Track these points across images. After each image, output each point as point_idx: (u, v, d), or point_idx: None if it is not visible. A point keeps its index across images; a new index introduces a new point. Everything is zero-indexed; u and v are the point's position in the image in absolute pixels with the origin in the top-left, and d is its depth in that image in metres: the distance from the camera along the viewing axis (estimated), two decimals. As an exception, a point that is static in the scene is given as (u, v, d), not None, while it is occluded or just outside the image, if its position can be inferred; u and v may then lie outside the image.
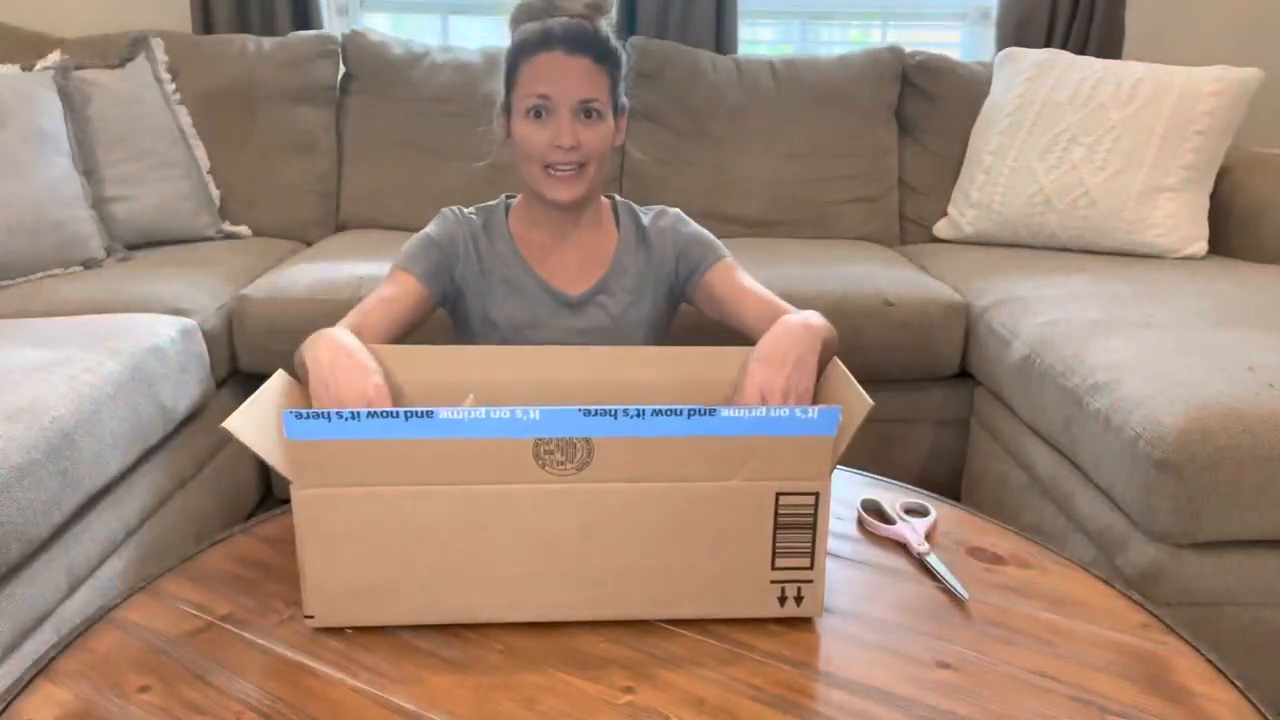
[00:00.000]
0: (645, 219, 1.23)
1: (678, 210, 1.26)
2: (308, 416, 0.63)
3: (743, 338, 1.17)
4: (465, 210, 1.21)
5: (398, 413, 0.63)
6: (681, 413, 0.64)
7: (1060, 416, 1.32)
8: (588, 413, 0.64)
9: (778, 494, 0.68)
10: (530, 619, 0.71)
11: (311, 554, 0.67)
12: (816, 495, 0.68)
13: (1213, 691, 0.66)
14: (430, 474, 0.65)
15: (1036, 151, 1.99)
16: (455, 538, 0.67)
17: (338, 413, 0.63)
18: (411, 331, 1.10)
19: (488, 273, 1.18)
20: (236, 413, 0.69)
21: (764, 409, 0.65)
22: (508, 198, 1.23)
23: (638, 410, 0.64)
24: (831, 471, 0.68)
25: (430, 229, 1.18)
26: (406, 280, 1.12)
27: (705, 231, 1.24)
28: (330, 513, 0.66)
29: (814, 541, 0.69)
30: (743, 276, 1.19)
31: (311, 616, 0.69)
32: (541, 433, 0.64)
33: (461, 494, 0.66)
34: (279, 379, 0.78)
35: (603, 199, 1.23)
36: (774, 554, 0.69)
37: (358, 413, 0.63)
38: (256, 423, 0.70)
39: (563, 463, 0.65)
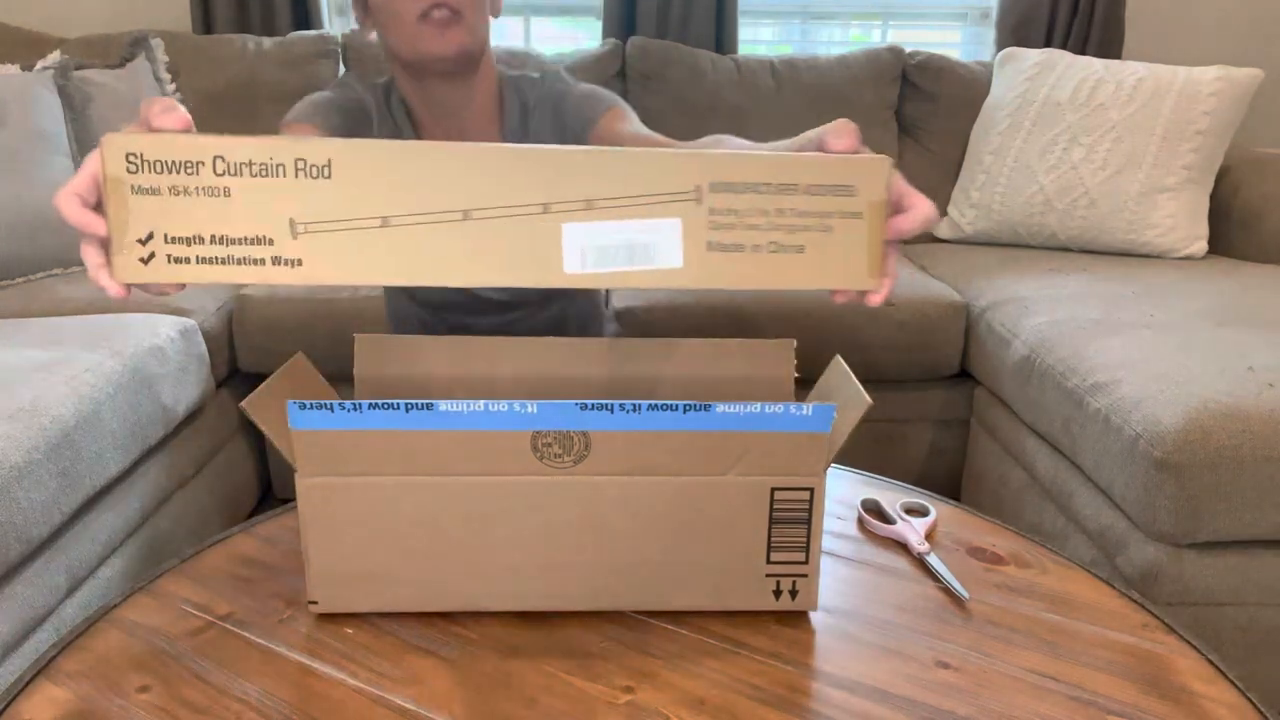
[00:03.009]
0: (524, 87, 1.09)
1: (558, 70, 1.11)
2: (311, 407, 0.64)
3: None
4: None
5: (399, 404, 0.64)
6: (677, 408, 0.65)
7: (1060, 416, 1.32)
8: (584, 406, 0.64)
9: (773, 489, 0.68)
10: (528, 609, 0.71)
11: (315, 541, 0.68)
12: (812, 491, 0.68)
13: (1213, 691, 0.66)
14: (430, 465, 0.66)
15: (1036, 151, 1.99)
16: (455, 528, 0.68)
17: (340, 404, 0.64)
18: None
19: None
20: (253, 395, 0.69)
21: (759, 405, 0.65)
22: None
23: (634, 405, 0.65)
24: (827, 467, 0.69)
25: (331, 92, 1.03)
26: (309, 133, 0.93)
27: (591, 87, 1.08)
28: (333, 501, 0.67)
29: (809, 536, 0.70)
30: (638, 126, 1.01)
31: (315, 603, 0.70)
32: (539, 426, 0.65)
33: (461, 485, 0.67)
34: (293, 365, 0.78)
35: (496, 84, 1.09)
36: (769, 548, 0.70)
37: (360, 404, 0.64)
38: (271, 407, 0.71)
39: (560, 455, 0.66)
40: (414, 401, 0.64)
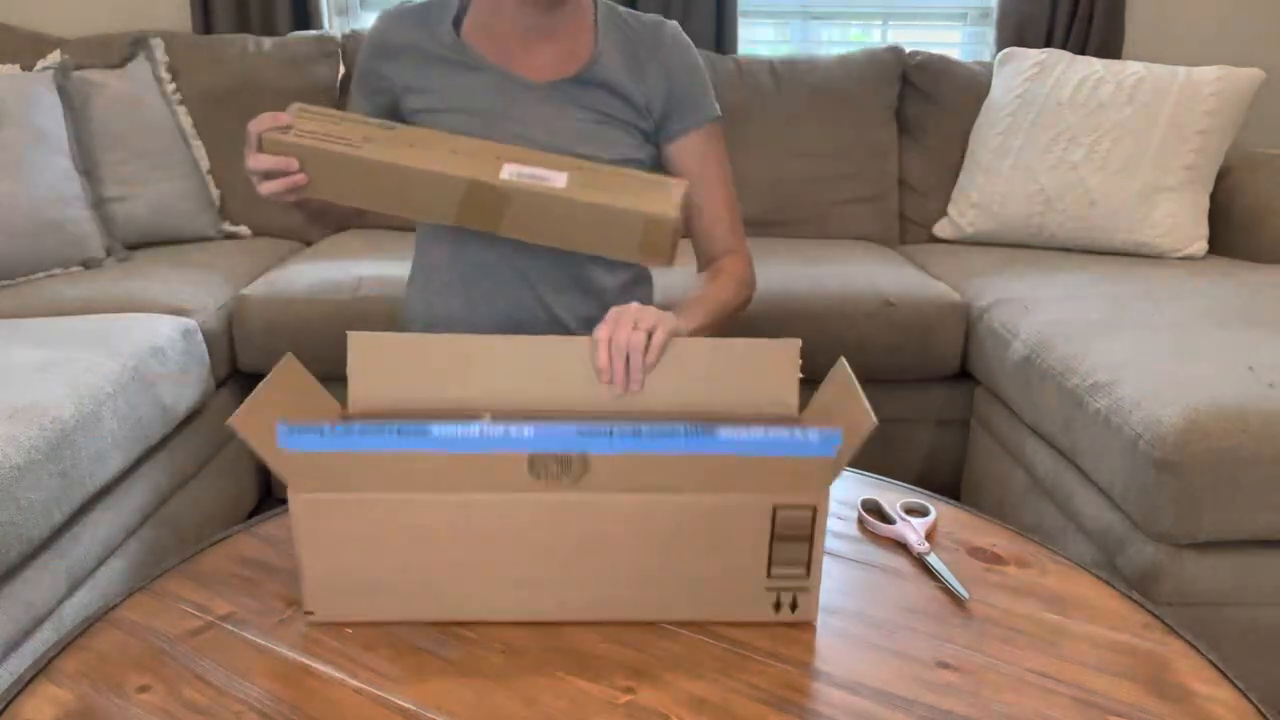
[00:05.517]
0: (635, 28, 1.05)
1: (676, 25, 1.08)
2: (301, 431, 0.62)
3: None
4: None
5: (391, 428, 0.63)
6: (679, 432, 0.64)
7: (1060, 416, 1.32)
8: (583, 432, 0.63)
9: (774, 507, 0.67)
10: (526, 621, 0.71)
11: (309, 555, 0.68)
12: (814, 509, 0.68)
13: (1213, 691, 0.66)
14: (425, 484, 0.66)
15: (1036, 151, 1.99)
16: (451, 544, 0.68)
17: (330, 426, 0.63)
18: None
19: (429, 63, 1.03)
20: (241, 409, 0.68)
21: (762, 429, 0.64)
22: None
23: (633, 429, 0.63)
24: (831, 482, 0.68)
25: (364, 43, 1.09)
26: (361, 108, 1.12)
27: (704, 73, 1.08)
28: (326, 516, 0.67)
29: (811, 552, 0.69)
30: (715, 164, 1.09)
31: (311, 612, 0.70)
32: (535, 449, 0.64)
33: (456, 502, 0.66)
34: (282, 369, 0.77)
35: (591, 16, 1.05)
36: (770, 563, 0.69)
37: (351, 426, 0.63)
38: (259, 421, 0.70)
39: (558, 475, 0.65)
40: (407, 425, 0.63)
